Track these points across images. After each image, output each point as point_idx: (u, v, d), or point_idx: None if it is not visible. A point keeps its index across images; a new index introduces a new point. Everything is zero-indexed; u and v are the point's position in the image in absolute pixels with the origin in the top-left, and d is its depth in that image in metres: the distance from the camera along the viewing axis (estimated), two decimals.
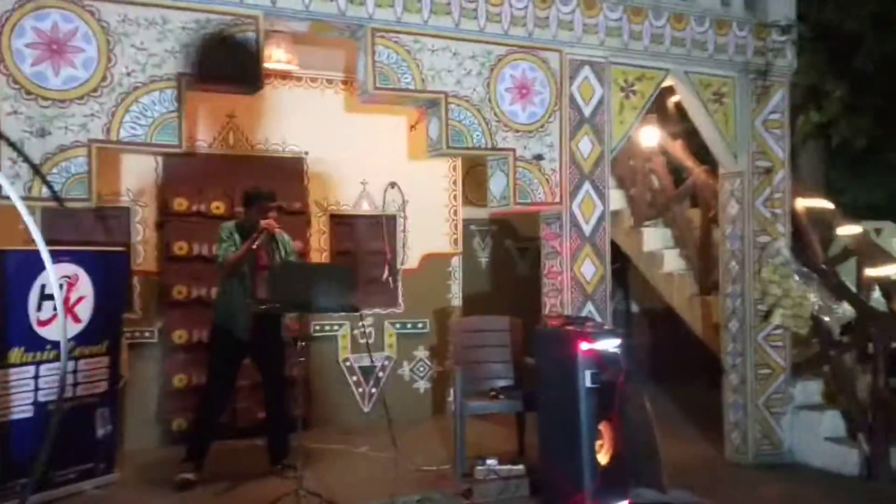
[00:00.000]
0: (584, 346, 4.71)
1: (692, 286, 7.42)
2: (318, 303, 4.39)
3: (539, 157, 5.41)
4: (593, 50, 5.61)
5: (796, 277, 6.15)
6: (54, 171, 4.23)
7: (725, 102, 6.20)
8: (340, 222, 7.25)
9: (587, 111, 5.59)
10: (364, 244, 7.32)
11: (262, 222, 5.27)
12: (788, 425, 6.21)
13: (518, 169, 5.36)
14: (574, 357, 4.70)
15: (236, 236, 5.37)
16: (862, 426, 5.82)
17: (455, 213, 7.71)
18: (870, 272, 6.71)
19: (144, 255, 6.51)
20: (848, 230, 7.03)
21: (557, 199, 5.49)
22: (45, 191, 4.19)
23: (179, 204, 6.49)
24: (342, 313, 6.66)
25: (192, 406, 6.19)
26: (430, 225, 7.56)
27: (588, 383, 4.68)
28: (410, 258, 7.47)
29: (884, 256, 6.85)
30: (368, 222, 7.36)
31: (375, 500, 4.89)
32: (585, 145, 5.58)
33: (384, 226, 7.23)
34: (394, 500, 4.77)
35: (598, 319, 5.48)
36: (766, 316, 6.19)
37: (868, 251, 6.86)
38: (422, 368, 7.52)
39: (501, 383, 5.88)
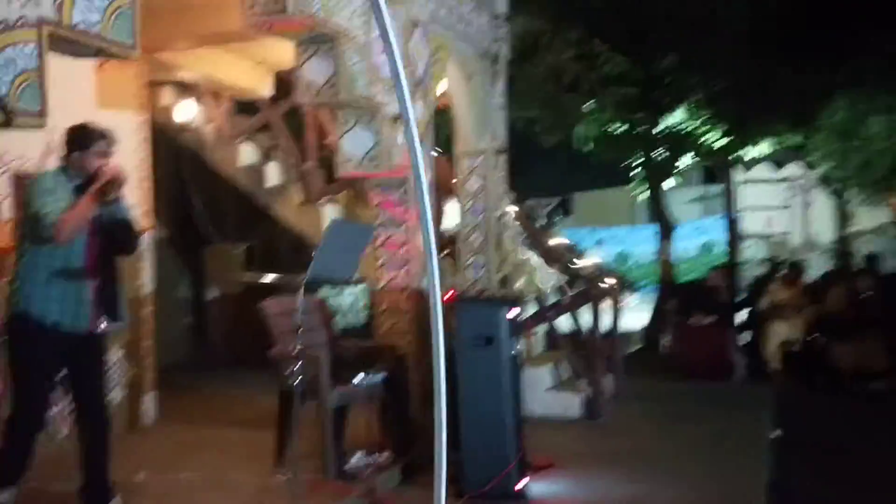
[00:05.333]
0: (511, 314, 4.58)
1: None
2: (350, 273, 3.33)
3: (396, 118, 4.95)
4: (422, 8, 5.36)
5: (525, 248, 6.83)
6: None
7: (475, 82, 6.51)
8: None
9: (420, 71, 5.32)
10: None
11: (106, 168, 3.82)
12: None
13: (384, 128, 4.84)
14: (499, 327, 4.54)
15: (68, 187, 3.81)
16: (584, 373, 6.79)
17: (145, 178, 6.28)
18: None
19: None
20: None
21: (405, 164, 5.11)
22: None
23: None
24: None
25: None
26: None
27: (514, 351, 4.59)
28: None
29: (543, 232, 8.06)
30: None
31: None
32: (419, 109, 5.30)
33: None
34: None
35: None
36: (503, 283, 6.71)
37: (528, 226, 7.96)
38: (115, 375, 5.95)
39: None
